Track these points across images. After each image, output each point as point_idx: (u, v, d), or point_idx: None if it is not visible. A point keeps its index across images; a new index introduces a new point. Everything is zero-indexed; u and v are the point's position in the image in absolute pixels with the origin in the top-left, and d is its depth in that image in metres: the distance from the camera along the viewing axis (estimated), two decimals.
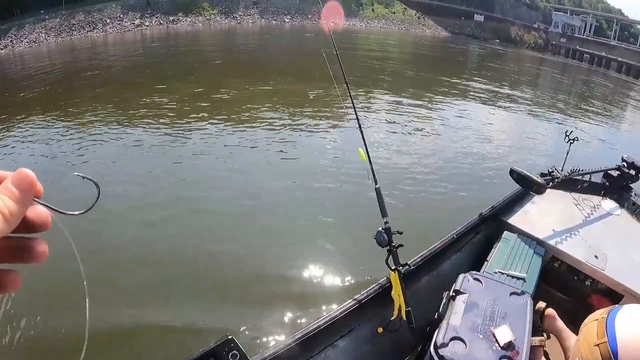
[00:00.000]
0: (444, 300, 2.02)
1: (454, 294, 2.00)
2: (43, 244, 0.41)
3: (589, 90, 21.49)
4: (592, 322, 1.21)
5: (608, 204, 3.32)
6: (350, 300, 2.14)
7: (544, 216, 3.04)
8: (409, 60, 24.52)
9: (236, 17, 34.00)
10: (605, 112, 15.28)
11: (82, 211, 0.42)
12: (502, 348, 1.69)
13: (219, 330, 3.26)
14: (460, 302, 1.94)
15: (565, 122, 12.17)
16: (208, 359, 1.51)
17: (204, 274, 4.22)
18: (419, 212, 5.66)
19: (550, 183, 3.04)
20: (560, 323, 1.82)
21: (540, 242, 2.76)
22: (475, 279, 2.09)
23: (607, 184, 3.47)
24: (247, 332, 3.46)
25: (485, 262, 2.55)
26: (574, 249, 2.71)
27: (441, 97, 13.58)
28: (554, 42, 44.43)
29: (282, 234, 5.03)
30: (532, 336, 1.80)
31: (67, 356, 3.13)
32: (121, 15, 28.06)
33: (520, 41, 45.66)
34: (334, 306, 2.11)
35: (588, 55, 38.30)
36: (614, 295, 2.55)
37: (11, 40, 21.76)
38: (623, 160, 3.43)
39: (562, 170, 3.26)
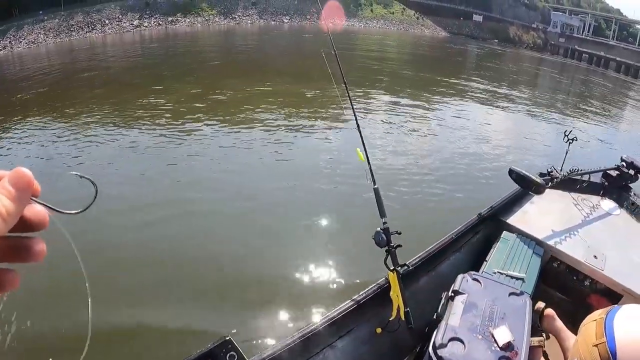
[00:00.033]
0: (442, 301, 2.01)
1: (452, 294, 2.00)
2: (41, 243, 0.41)
3: (588, 90, 21.51)
4: (591, 323, 1.20)
5: (607, 204, 3.31)
6: (349, 300, 2.13)
7: (543, 216, 3.03)
8: (408, 60, 24.52)
9: (235, 17, 34.00)
10: (604, 112, 15.29)
11: (80, 210, 0.42)
12: (501, 348, 1.69)
13: (217, 330, 3.25)
14: (459, 303, 1.94)
15: (564, 122, 12.18)
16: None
17: (202, 275, 4.22)
18: (418, 213, 5.66)
19: (549, 183, 3.03)
20: (559, 323, 1.81)
21: (539, 242, 2.76)
22: (474, 279, 2.09)
23: (606, 183, 3.46)
24: (245, 333, 3.45)
25: (484, 262, 2.54)
26: (573, 249, 2.71)
27: (440, 97, 13.59)
28: (552, 42, 44.46)
29: (280, 234, 5.03)
30: (531, 336, 1.79)
31: (67, 356, 3.13)
32: (120, 16, 28.05)
33: (519, 41, 45.68)
34: (333, 307, 2.10)
35: (587, 55, 38.32)
36: (613, 295, 2.55)
37: (10, 41, 21.75)
38: (622, 160, 3.43)
39: (561, 170, 3.25)
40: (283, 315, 3.72)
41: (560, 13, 47.76)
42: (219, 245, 4.73)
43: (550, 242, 2.75)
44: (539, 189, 2.84)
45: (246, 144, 7.75)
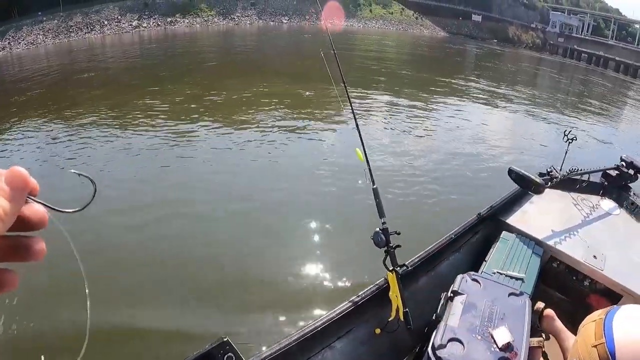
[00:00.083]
0: (441, 301, 2.01)
1: (452, 294, 1.99)
2: (41, 242, 0.41)
3: (587, 90, 21.52)
4: (590, 323, 1.20)
5: (607, 204, 3.31)
6: (348, 301, 2.13)
7: (543, 216, 3.03)
8: (407, 60, 24.52)
9: (234, 18, 33.99)
10: (604, 112, 15.30)
11: (79, 208, 0.42)
12: (501, 349, 1.68)
13: (215, 331, 3.25)
14: (458, 303, 1.93)
15: (563, 122, 12.18)
16: None
17: (201, 275, 4.21)
18: (417, 213, 5.66)
19: (549, 183, 3.03)
20: (558, 323, 1.80)
21: (538, 242, 2.75)
22: (474, 279, 2.08)
23: (606, 183, 3.46)
24: (243, 334, 3.45)
25: (484, 263, 2.54)
26: (573, 249, 2.70)
27: (439, 97, 13.58)
28: (551, 42, 44.48)
29: (280, 234, 5.03)
30: (531, 337, 1.79)
31: (65, 356, 3.11)
32: (119, 17, 28.04)
33: (518, 41, 45.69)
34: (331, 307, 2.09)
35: (586, 55, 38.32)
36: (612, 295, 2.55)
37: (9, 42, 21.74)
38: (622, 159, 3.43)
39: (560, 169, 3.25)
40: (281, 316, 3.71)
41: (559, 13, 47.78)
42: (218, 246, 4.72)
43: (550, 242, 2.74)
44: (538, 189, 2.83)
45: (245, 145, 7.74)
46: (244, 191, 5.94)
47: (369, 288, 2.21)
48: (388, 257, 2.06)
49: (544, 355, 1.83)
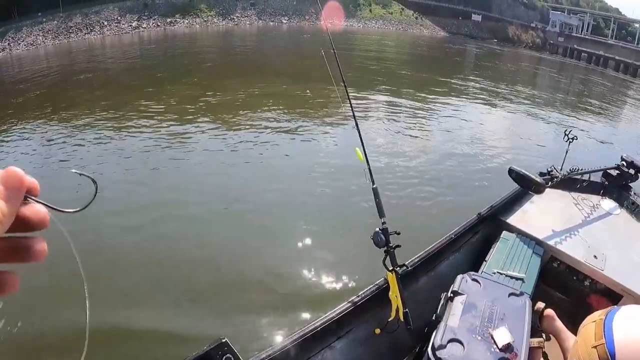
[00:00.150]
0: (441, 302, 2.00)
1: (452, 295, 1.98)
2: (42, 243, 0.40)
3: (587, 89, 21.51)
4: (590, 324, 1.19)
5: (607, 204, 3.30)
6: (348, 301, 2.12)
7: (543, 216, 3.02)
8: (407, 60, 24.52)
9: (233, 18, 33.99)
10: (604, 111, 15.29)
11: (80, 208, 0.42)
12: (501, 350, 1.68)
13: (213, 332, 3.24)
14: (458, 304, 1.92)
15: (563, 121, 12.17)
16: None
17: (199, 276, 4.20)
18: (417, 213, 5.65)
19: (549, 182, 3.03)
20: (559, 324, 1.80)
21: (539, 242, 2.75)
22: (474, 279, 2.07)
23: (606, 183, 3.45)
24: (241, 335, 3.44)
25: (484, 263, 2.53)
26: (573, 248, 2.69)
27: (438, 97, 13.57)
28: (551, 42, 44.46)
29: (278, 235, 5.02)
30: (531, 337, 1.78)
31: (65, 356, 3.12)
32: (119, 18, 28.04)
33: (518, 40, 45.68)
34: (331, 307, 2.09)
35: (586, 54, 38.30)
36: (613, 296, 2.54)
37: (9, 43, 21.74)
38: (622, 159, 3.42)
39: (561, 169, 3.24)
40: (279, 317, 3.70)
41: (559, 12, 47.79)
42: (216, 246, 4.72)
43: (550, 242, 2.74)
44: (539, 189, 2.83)
45: (244, 145, 7.73)
46: (239, 192, 5.92)
47: (368, 288, 2.21)
48: (388, 257, 2.05)
49: (545, 355, 1.82)
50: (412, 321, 1.99)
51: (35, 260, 0.40)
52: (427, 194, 6.19)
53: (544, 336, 1.82)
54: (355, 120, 2.41)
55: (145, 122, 8.90)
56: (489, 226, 2.99)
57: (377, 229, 2.05)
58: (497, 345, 1.69)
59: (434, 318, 1.95)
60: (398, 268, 2.06)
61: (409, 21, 43.17)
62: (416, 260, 2.42)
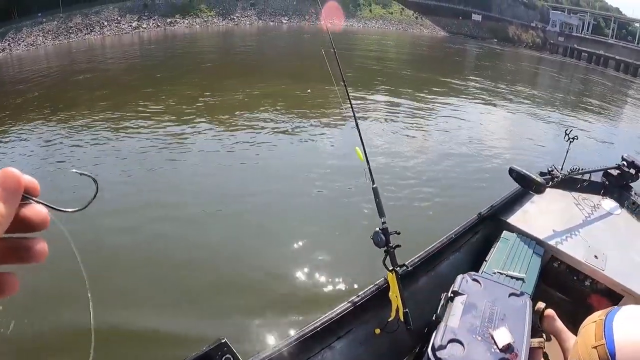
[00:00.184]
0: (442, 302, 2.00)
1: (452, 295, 1.98)
2: (42, 243, 0.40)
3: (588, 89, 21.50)
4: (591, 324, 1.19)
5: (608, 204, 3.30)
6: (347, 301, 2.12)
7: (544, 216, 3.02)
8: (407, 60, 24.52)
9: (233, 18, 34.00)
10: (604, 111, 15.27)
11: (80, 208, 0.42)
12: (501, 350, 1.67)
13: (212, 332, 3.24)
14: (458, 304, 1.92)
15: (564, 121, 12.16)
16: None
17: (198, 276, 4.20)
18: (417, 212, 5.64)
19: (550, 182, 3.02)
20: (559, 324, 1.79)
21: (539, 242, 2.74)
22: (474, 279, 2.07)
23: (607, 183, 3.44)
24: (241, 335, 3.43)
25: (484, 262, 2.52)
26: (574, 248, 2.69)
27: (439, 97, 13.56)
28: (551, 41, 44.44)
29: (276, 235, 5.01)
30: (532, 337, 1.77)
31: (65, 355, 3.12)
32: (119, 18, 28.05)
33: (518, 40, 45.66)
34: (331, 308, 2.08)
35: (586, 54, 38.27)
36: (613, 296, 2.53)
37: (9, 44, 21.75)
38: (623, 159, 3.41)
39: (561, 169, 3.24)
40: (280, 317, 3.69)
41: (559, 12, 47.77)
42: (215, 247, 4.71)
43: (551, 242, 2.73)
44: (539, 188, 2.82)
45: (244, 145, 7.72)
46: (238, 192, 5.92)
47: (368, 288, 2.20)
48: (388, 257, 2.05)
49: (545, 356, 1.81)
50: (412, 321, 1.98)
51: (35, 261, 0.40)
52: (426, 194, 6.18)
53: (544, 336, 1.82)
54: (356, 120, 2.41)
55: (144, 122, 8.89)
56: (490, 226, 2.98)
57: (377, 229, 2.04)
58: (497, 346, 1.69)
59: (434, 318, 1.94)
60: (398, 268, 2.05)
61: (409, 21, 43.17)
62: (416, 260, 2.41)
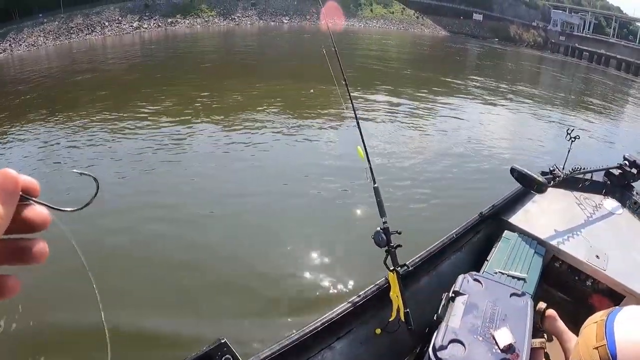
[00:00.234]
0: (443, 302, 1.98)
1: (453, 295, 1.97)
2: (42, 244, 0.40)
3: (589, 88, 21.46)
4: (592, 325, 1.18)
5: (610, 203, 3.28)
6: (348, 301, 2.11)
7: (545, 215, 3.01)
8: (408, 59, 24.50)
9: (234, 18, 34.02)
10: (606, 110, 15.25)
11: (80, 207, 0.41)
12: (502, 351, 1.66)
13: (212, 333, 3.24)
14: (459, 304, 1.91)
15: (565, 121, 12.14)
16: None
17: (198, 276, 4.19)
18: (418, 212, 5.63)
19: (551, 182, 3.01)
20: (560, 324, 1.79)
21: (541, 242, 2.73)
22: (475, 279, 2.06)
23: (608, 182, 3.43)
24: (241, 335, 3.42)
25: (486, 262, 2.52)
26: (575, 248, 2.68)
27: (440, 96, 13.54)
28: (553, 40, 44.41)
29: (276, 235, 4.99)
30: (533, 337, 1.77)
31: (65, 356, 3.12)
32: (119, 18, 28.08)
33: (520, 40, 45.63)
34: (331, 307, 2.07)
35: (587, 53, 38.23)
36: (615, 296, 2.52)
37: (10, 44, 21.79)
38: (625, 158, 3.40)
39: (563, 168, 3.22)
40: (280, 317, 3.69)
41: (561, 11, 47.76)
42: (215, 247, 4.70)
43: (552, 242, 2.72)
44: (541, 188, 2.81)
45: (245, 145, 7.72)
46: (238, 192, 5.91)
47: (369, 288, 2.19)
48: (389, 257, 2.04)
49: (546, 356, 1.81)
50: (413, 321, 1.97)
51: (36, 262, 0.40)
52: (428, 194, 6.16)
53: (545, 337, 1.81)
54: (357, 119, 2.39)
55: (143, 123, 8.88)
56: (491, 226, 2.97)
57: (378, 229, 2.03)
58: (498, 346, 1.68)
59: (435, 318, 1.93)
60: (399, 268, 2.04)
61: (410, 20, 43.16)
62: (417, 260, 2.40)
